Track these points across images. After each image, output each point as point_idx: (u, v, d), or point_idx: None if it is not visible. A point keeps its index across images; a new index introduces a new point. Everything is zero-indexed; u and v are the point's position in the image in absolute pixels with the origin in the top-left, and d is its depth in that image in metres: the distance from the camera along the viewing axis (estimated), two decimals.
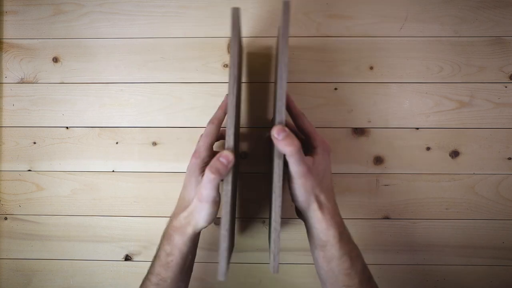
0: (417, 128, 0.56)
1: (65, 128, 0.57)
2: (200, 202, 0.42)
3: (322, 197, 0.42)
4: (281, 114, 0.39)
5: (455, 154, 0.56)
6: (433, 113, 0.55)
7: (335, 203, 0.44)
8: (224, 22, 0.56)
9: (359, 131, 0.56)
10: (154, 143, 0.56)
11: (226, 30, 0.56)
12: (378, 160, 0.56)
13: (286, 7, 0.39)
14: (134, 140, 0.56)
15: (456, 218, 0.56)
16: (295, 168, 0.40)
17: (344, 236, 0.43)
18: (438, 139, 0.56)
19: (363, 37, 0.56)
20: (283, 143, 0.39)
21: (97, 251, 0.57)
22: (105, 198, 0.56)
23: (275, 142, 0.39)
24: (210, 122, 0.45)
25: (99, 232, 0.57)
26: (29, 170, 0.57)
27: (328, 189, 0.44)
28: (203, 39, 0.56)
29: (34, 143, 0.57)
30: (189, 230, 0.43)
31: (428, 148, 0.56)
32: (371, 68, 0.56)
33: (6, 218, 0.57)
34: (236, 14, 0.40)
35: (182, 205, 0.45)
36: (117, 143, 0.56)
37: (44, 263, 0.57)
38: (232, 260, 0.56)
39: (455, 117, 0.55)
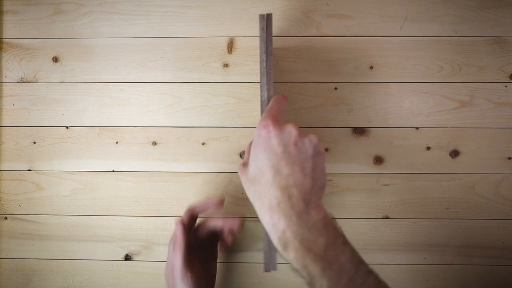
0: (417, 128, 0.56)
1: (65, 128, 0.57)
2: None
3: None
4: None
5: (455, 153, 0.56)
6: (433, 112, 0.55)
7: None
8: (224, 22, 0.56)
9: (359, 131, 0.56)
10: (154, 143, 0.56)
11: (226, 30, 0.56)
12: (378, 160, 0.56)
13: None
14: (134, 139, 0.56)
15: (456, 218, 0.56)
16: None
17: None
18: (438, 139, 0.56)
19: (363, 36, 0.56)
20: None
21: (97, 251, 0.57)
22: (105, 198, 0.56)
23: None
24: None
25: (99, 232, 0.57)
26: (29, 170, 0.57)
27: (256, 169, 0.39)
28: (203, 39, 0.56)
29: (34, 142, 0.57)
30: None
31: (428, 148, 0.56)
32: (371, 67, 0.56)
33: (6, 218, 0.57)
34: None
35: None
36: (117, 142, 0.56)
37: (44, 263, 0.57)
38: (232, 260, 0.56)
39: (455, 116, 0.55)
